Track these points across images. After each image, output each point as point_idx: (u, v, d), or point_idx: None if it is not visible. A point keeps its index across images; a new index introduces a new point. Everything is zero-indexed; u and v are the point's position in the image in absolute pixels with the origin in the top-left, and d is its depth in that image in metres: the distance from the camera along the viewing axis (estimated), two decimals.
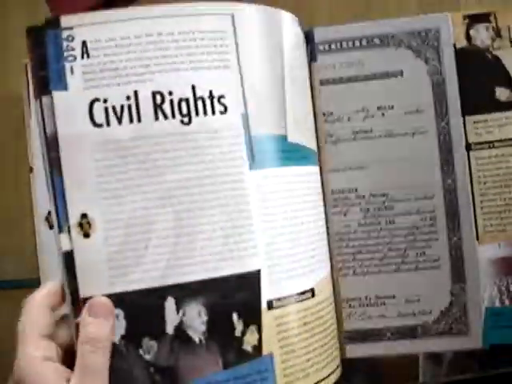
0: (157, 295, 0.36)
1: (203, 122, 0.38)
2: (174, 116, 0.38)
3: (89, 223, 0.36)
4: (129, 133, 0.37)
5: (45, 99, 0.37)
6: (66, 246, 0.36)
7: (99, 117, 0.37)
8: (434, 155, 0.48)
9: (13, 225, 0.49)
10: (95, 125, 0.37)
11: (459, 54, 0.47)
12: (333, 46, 0.49)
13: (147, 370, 0.36)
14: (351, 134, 0.49)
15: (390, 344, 0.47)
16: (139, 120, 0.37)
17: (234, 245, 0.38)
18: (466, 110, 0.47)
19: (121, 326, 0.36)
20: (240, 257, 0.38)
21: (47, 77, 0.37)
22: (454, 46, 0.47)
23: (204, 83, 0.38)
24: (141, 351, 0.36)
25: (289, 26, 0.43)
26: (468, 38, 0.48)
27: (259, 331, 0.38)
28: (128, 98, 0.37)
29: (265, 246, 0.39)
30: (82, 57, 0.37)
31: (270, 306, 0.38)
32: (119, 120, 0.37)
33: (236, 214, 0.38)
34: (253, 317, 0.38)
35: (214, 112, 0.38)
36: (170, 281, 0.37)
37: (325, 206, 0.45)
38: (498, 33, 0.48)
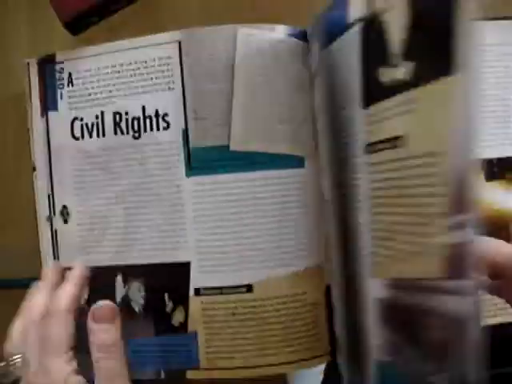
0: (110, 272, 0.47)
1: (150, 136, 0.46)
2: (128, 132, 0.47)
3: (67, 213, 0.48)
4: (96, 145, 0.48)
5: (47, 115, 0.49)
6: (54, 226, 0.49)
7: (77, 132, 0.48)
8: None
9: (15, 224, 0.51)
10: (74, 138, 0.48)
11: (364, 27, 0.35)
12: None
13: None
14: None
15: None
16: (104, 135, 0.47)
17: (168, 238, 0.46)
18: (363, 102, 0.36)
19: (85, 293, 0.48)
20: (173, 249, 0.46)
21: (46, 99, 0.49)
22: (361, 19, 0.35)
23: (152, 104, 0.46)
24: None
25: (248, 39, 0.45)
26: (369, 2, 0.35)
27: (186, 311, 0.46)
28: (97, 117, 0.47)
29: (195, 242, 0.45)
30: (68, 85, 0.48)
31: (197, 292, 0.46)
32: (90, 135, 0.48)
33: (172, 213, 0.46)
34: (181, 299, 0.46)
35: (158, 128, 0.46)
36: (120, 261, 0.47)
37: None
38: None
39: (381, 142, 0.33)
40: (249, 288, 0.46)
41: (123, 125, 0.47)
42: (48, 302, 0.37)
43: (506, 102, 0.47)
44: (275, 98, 0.45)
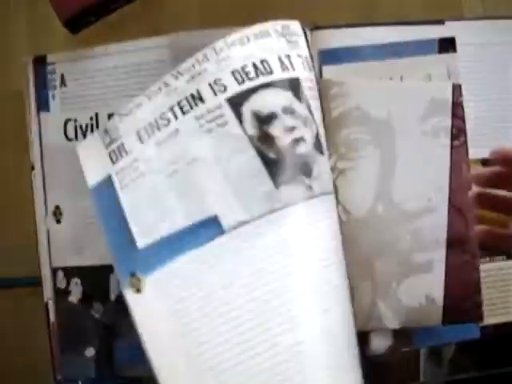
0: (104, 270, 0.48)
1: None
2: None
3: (60, 213, 0.49)
4: None
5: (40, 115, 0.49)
6: (47, 227, 0.49)
7: (71, 133, 0.49)
8: None
9: (13, 223, 0.51)
10: (67, 139, 0.49)
11: None
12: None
13: (96, 325, 0.48)
14: None
15: None
16: None
17: None
18: None
19: (79, 291, 0.48)
20: None
21: (39, 100, 0.49)
22: None
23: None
24: (92, 311, 0.48)
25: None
26: None
27: None
28: (91, 118, 0.48)
29: None
30: (61, 86, 0.49)
31: None
32: (84, 136, 0.48)
33: None
34: None
35: None
36: None
37: None
38: None
39: None
40: None
41: None
42: None
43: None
44: None
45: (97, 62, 0.48)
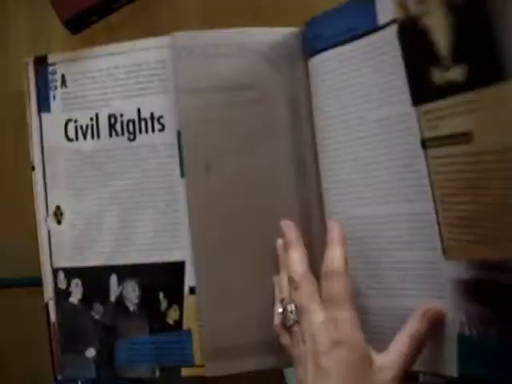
0: (105, 271, 0.48)
1: (145, 138, 0.47)
2: (123, 134, 0.47)
3: (61, 213, 0.49)
4: (91, 146, 0.48)
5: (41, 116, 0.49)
6: (48, 227, 0.49)
7: (71, 133, 0.48)
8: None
9: (13, 223, 0.51)
10: (68, 139, 0.49)
11: (401, 30, 0.38)
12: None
13: (95, 326, 0.48)
14: None
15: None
16: (98, 136, 0.48)
17: (162, 239, 0.47)
18: (418, 99, 0.37)
19: (79, 292, 0.48)
20: (167, 248, 0.47)
21: (39, 100, 0.49)
22: (396, 20, 0.38)
23: (147, 106, 0.47)
24: (92, 312, 0.48)
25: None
26: (404, 7, 0.37)
27: (181, 310, 0.47)
28: (91, 119, 0.48)
29: (190, 242, 0.46)
30: (62, 86, 0.49)
31: (191, 291, 0.47)
32: (84, 136, 0.48)
33: (166, 213, 0.47)
34: (175, 297, 0.47)
35: (153, 130, 0.47)
36: (114, 262, 0.48)
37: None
38: None
39: (442, 137, 0.35)
40: None
41: (118, 127, 0.48)
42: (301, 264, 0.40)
43: None
44: None
45: (97, 63, 0.48)
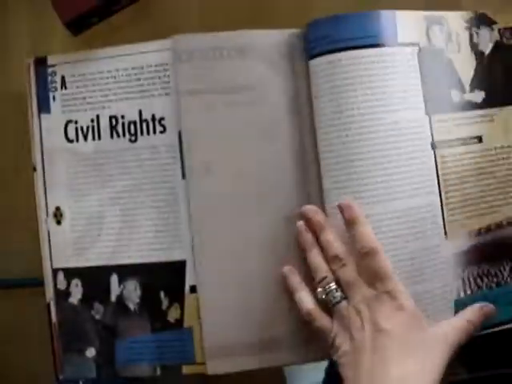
0: (105, 271, 0.48)
1: (146, 139, 0.48)
2: (124, 135, 0.48)
3: (61, 214, 0.49)
4: (91, 148, 0.49)
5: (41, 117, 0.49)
6: (48, 228, 0.49)
7: (71, 135, 0.49)
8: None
9: (15, 224, 0.52)
10: (68, 141, 0.49)
11: (422, 52, 0.45)
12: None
13: (96, 326, 0.48)
14: None
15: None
16: (99, 138, 0.48)
17: (163, 238, 0.48)
18: (431, 109, 0.45)
19: (79, 292, 0.49)
20: (168, 248, 0.48)
21: (39, 101, 0.49)
22: (418, 44, 0.46)
23: (148, 108, 0.48)
24: (92, 312, 0.48)
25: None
26: (428, 37, 0.46)
27: (182, 308, 0.48)
28: (92, 120, 0.49)
29: (191, 241, 0.47)
30: (61, 88, 0.49)
31: (192, 290, 0.47)
32: (85, 138, 0.49)
33: (167, 214, 0.48)
34: (176, 296, 0.48)
35: (155, 132, 0.48)
36: (115, 261, 0.48)
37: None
38: (449, 36, 0.47)
39: (454, 140, 0.46)
40: None
41: (119, 128, 0.48)
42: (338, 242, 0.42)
43: None
44: None
45: (98, 65, 0.48)
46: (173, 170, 0.48)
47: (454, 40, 0.47)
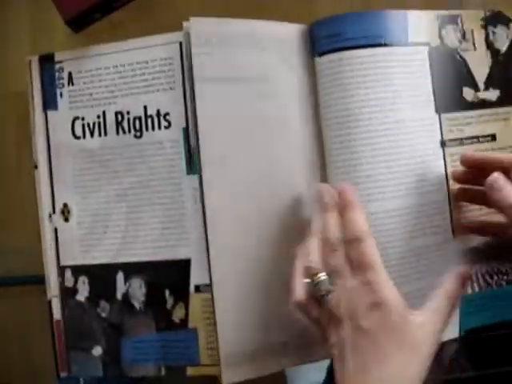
0: (111, 269, 0.48)
1: (151, 135, 0.47)
2: (129, 131, 0.47)
3: (68, 211, 0.49)
4: (98, 144, 0.48)
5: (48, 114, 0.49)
6: (55, 224, 0.49)
7: (78, 131, 0.49)
8: None
9: (16, 222, 0.52)
10: (75, 137, 0.49)
11: (433, 52, 0.46)
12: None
13: (102, 324, 0.48)
14: None
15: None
16: (105, 134, 0.48)
17: (168, 236, 0.47)
18: (441, 108, 0.46)
19: (86, 289, 0.48)
20: (173, 246, 0.47)
21: (46, 98, 0.49)
22: (429, 44, 0.46)
23: (153, 103, 0.47)
24: (98, 310, 0.48)
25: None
26: (440, 37, 0.46)
27: (186, 308, 0.46)
28: (98, 116, 0.48)
29: (196, 239, 0.46)
30: (69, 84, 0.49)
31: (197, 289, 0.46)
32: (91, 134, 0.48)
33: (173, 211, 0.47)
34: (181, 295, 0.46)
35: (159, 127, 0.47)
36: (121, 259, 0.48)
37: None
38: (463, 35, 0.47)
39: (466, 138, 0.46)
40: None
41: (125, 124, 0.48)
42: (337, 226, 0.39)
43: None
44: None
45: (104, 60, 0.48)
46: (178, 165, 0.47)
47: (469, 39, 0.47)
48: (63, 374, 0.48)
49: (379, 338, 0.35)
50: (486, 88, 0.47)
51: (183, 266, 0.46)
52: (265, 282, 0.44)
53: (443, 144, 0.45)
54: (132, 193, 0.47)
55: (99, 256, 0.48)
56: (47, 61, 0.49)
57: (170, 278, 0.47)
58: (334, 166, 0.44)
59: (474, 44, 0.47)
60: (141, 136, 0.47)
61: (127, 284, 0.47)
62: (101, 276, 0.48)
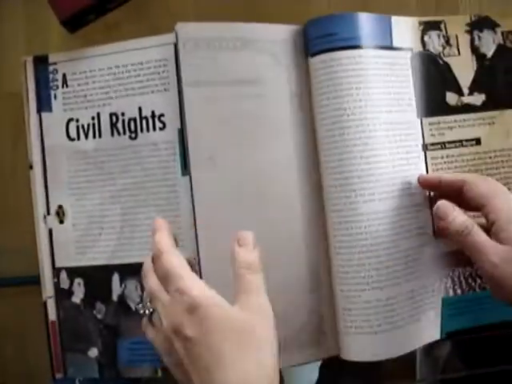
0: (106, 271, 0.48)
1: (146, 137, 0.47)
2: (124, 133, 0.47)
3: (63, 213, 0.49)
4: (92, 146, 0.48)
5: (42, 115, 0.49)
6: (49, 226, 0.49)
7: (73, 133, 0.48)
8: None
9: (11, 222, 0.51)
10: (70, 139, 0.49)
11: (415, 57, 0.46)
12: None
13: (98, 325, 0.48)
14: None
15: None
16: (100, 136, 0.48)
17: None
18: (423, 112, 0.46)
19: (81, 291, 0.48)
20: None
21: (40, 100, 0.49)
22: (411, 50, 0.46)
23: (148, 105, 0.47)
24: (94, 311, 0.48)
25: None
26: (423, 43, 0.47)
27: None
28: (93, 118, 0.48)
29: (192, 240, 0.46)
30: (63, 86, 0.49)
31: None
32: (86, 135, 0.48)
33: (168, 212, 0.47)
34: None
35: (154, 128, 0.47)
36: (116, 261, 0.48)
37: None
38: (447, 41, 0.47)
39: (448, 142, 0.47)
40: None
41: (120, 126, 0.48)
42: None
43: None
44: None
45: (98, 61, 0.48)
46: (173, 167, 0.47)
47: (453, 44, 0.48)
48: (59, 376, 0.47)
49: (211, 341, 0.33)
50: (471, 93, 0.47)
51: None
52: None
53: (425, 148, 0.46)
54: (127, 194, 0.47)
55: (94, 258, 0.48)
56: (41, 62, 0.49)
57: None
58: (327, 166, 0.44)
59: (458, 49, 0.47)
60: (135, 137, 0.47)
61: (123, 285, 0.48)
62: (96, 278, 0.48)
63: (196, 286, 0.35)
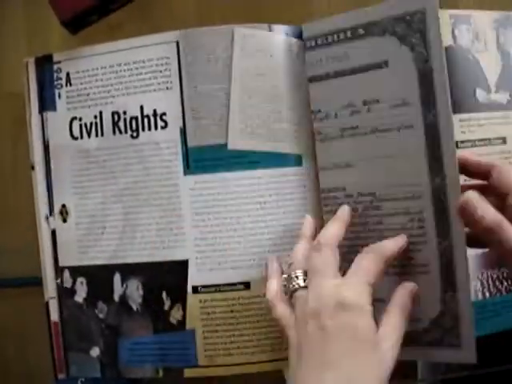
0: (108, 270, 0.47)
1: (148, 135, 0.47)
2: (126, 131, 0.47)
3: (66, 212, 0.49)
4: (95, 144, 0.48)
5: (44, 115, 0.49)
6: (53, 225, 0.49)
7: (76, 132, 0.48)
8: (421, 151, 0.42)
9: (11, 223, 0.51)
10: (73, 138, 0.48)
11: (446, 52, 0.42)
12: (319, 42, 0.45)
13: (100, 325, 0.48)
14: (339, 131, 0.45)
15: None
16: (102, 134, 0.48)
17: (165, 237, 0.46)
18: (455, 108, 0.44)
19: (84, 290, 0.48)
20: (170, 247, 0.46)
21: (43, 99, 0.49)
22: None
23: (150, 103, 0.47)
24: (96, 311, 0.48)
25: (245, 38, 0.45)
26: (453, 36, 0.46)
27: (184, 309, 0.46)
28: (95, 117, 0.48)
29: (194, 240, 0.46)
30: (66, 85, 0.49)
31: (195, 290, 0.46)
32: (89, 134, 0.48)
33: (169, 211, 0.46)
34: (179, 297, 0.46)
35: (156, 127, 0.47)
36: (118, 260, 0.47)
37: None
38: (476, 35, 0.46)
39: (478, 140, 0.46)
40: (246, 285, 0.46)
41: (121, 124, 0.47)
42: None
43: None
44: (273, 97, 0.46)
45: (101, 60, 0.47)
46: (175, 166, 0.46)
47: (481, 39, 0.47)
48: (61, 376, 0.47)
49: (340, 342, 0.34)
50: (497, 90, 0.46)
51: (180, 267, 0.46)
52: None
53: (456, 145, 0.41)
54: (129, 193, 0.47)
55: (96, 257, 0.48)
56: (46, 61, 0.49)
57: (167, 280, 0.46)
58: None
59: (485, 44, 0.46)
60: (137, 136, 0.47)
61: (124, 285, 0.47)
62: (98, 277, 0.48)
63: (360, 289, 0.36)
